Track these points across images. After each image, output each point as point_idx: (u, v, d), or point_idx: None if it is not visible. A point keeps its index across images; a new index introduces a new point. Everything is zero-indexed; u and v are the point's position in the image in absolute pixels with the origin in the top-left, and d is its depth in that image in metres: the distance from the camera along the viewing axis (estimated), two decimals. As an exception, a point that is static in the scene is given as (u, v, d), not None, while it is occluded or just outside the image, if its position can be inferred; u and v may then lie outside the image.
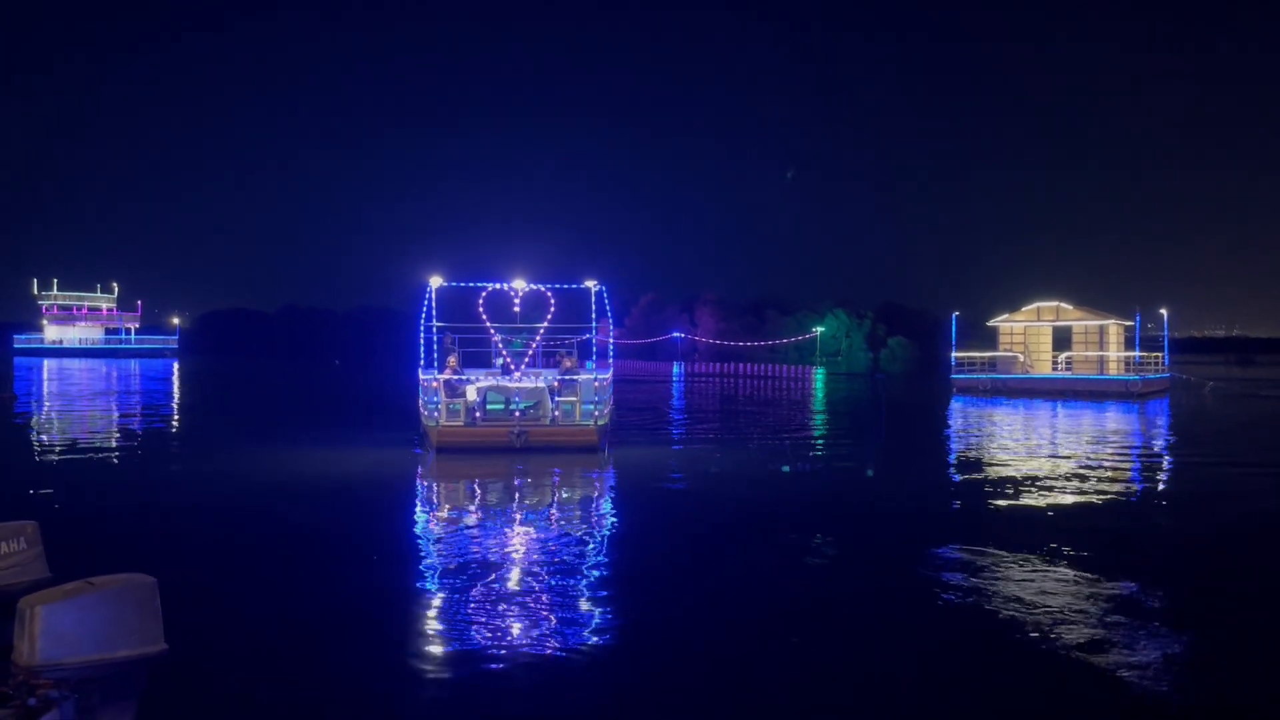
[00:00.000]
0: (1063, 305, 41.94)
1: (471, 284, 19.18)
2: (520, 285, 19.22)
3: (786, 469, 16.98)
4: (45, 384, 43.56)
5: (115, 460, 17.80)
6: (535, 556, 9.86)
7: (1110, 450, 20.10)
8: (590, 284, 19.38)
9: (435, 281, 18.86)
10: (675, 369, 68.31)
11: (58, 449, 19.17)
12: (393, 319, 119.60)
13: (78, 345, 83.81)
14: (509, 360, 19.17)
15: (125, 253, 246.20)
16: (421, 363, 19.54)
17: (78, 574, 7.88)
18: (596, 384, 18.56)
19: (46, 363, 67.81)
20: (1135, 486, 15.45)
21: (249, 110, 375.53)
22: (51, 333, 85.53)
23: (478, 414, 18.35)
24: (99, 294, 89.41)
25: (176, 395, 38.81)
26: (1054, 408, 32.24)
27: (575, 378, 18.64)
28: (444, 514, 12.75)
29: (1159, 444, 22.37)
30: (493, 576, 8.90)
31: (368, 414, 28.08)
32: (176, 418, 27.89)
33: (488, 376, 19.26)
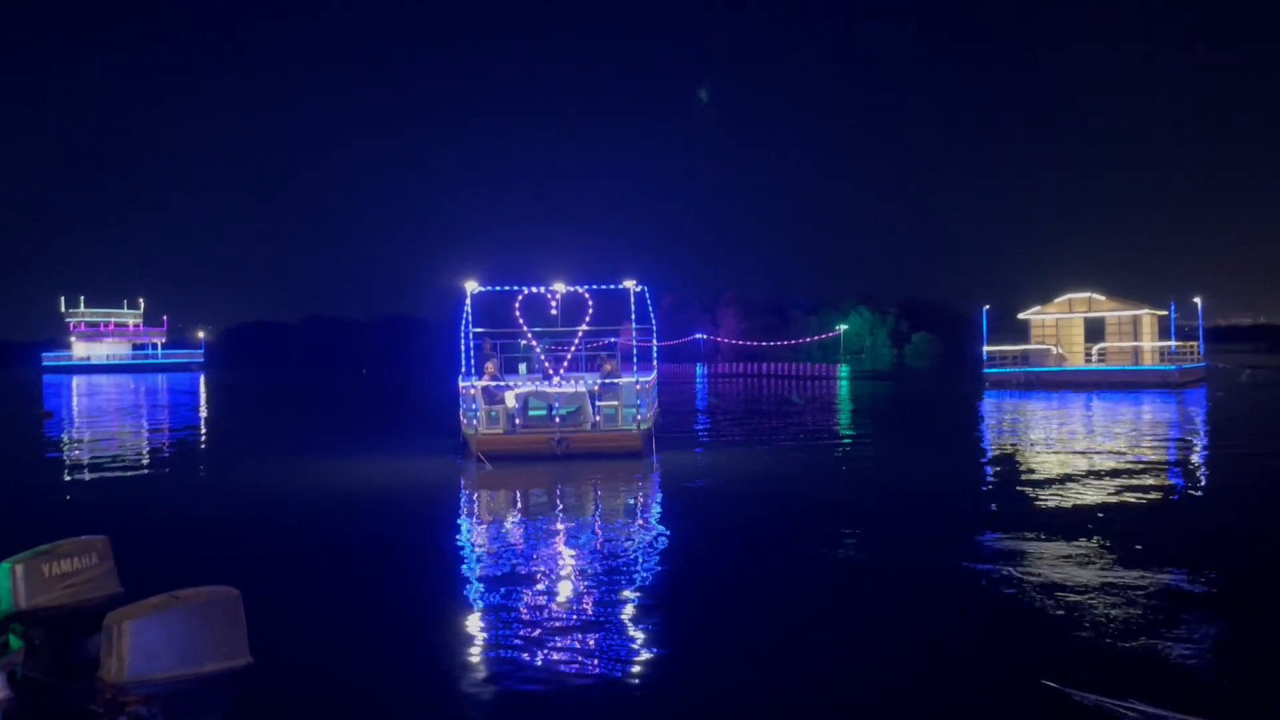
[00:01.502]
0: (1095, 296, 41.48)
1: (508, 288, 19.03)
2: (559, 288, 18.99)
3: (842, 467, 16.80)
4: (75, 400, 43.85)
5: (164, 474, 17.82)
6: (591, 570, 9.72)
7: (1165, 442, 19.79)
8: (630, 284, 19.06)
9: (472, 287, 18.65)
10: (698, 370, 68.10)
11: (104, 464, 19.21)
12: (417, 326, 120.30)
13: (105, 361, 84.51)
14: (548, 364, 19.00)
15: (150, 268, 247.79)
16: (461, 370, 19.27)
17: (147, 588, 7.82)
18: (639, 387, 18.26)
19: (75, 379, 68.36)
20: (1199, 478, 15.17)
21: (267, 122, 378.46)
22: (79, 350, 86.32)
23: (518, 421, 18.11)
24: (125, 310, 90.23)
25: (210, 409, 39.00)
26: (1091, 400, 31.86)
27: (617, 381, 18.31)
28: (492, 525, 12.65)
29: (1211, 434, 22.00)
30: (546, 590, 8.78)
31: (404, 423, 28.07)
32: (215, 431, 27.98)
33: (527, 382, 19.06)
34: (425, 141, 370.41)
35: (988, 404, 31.66)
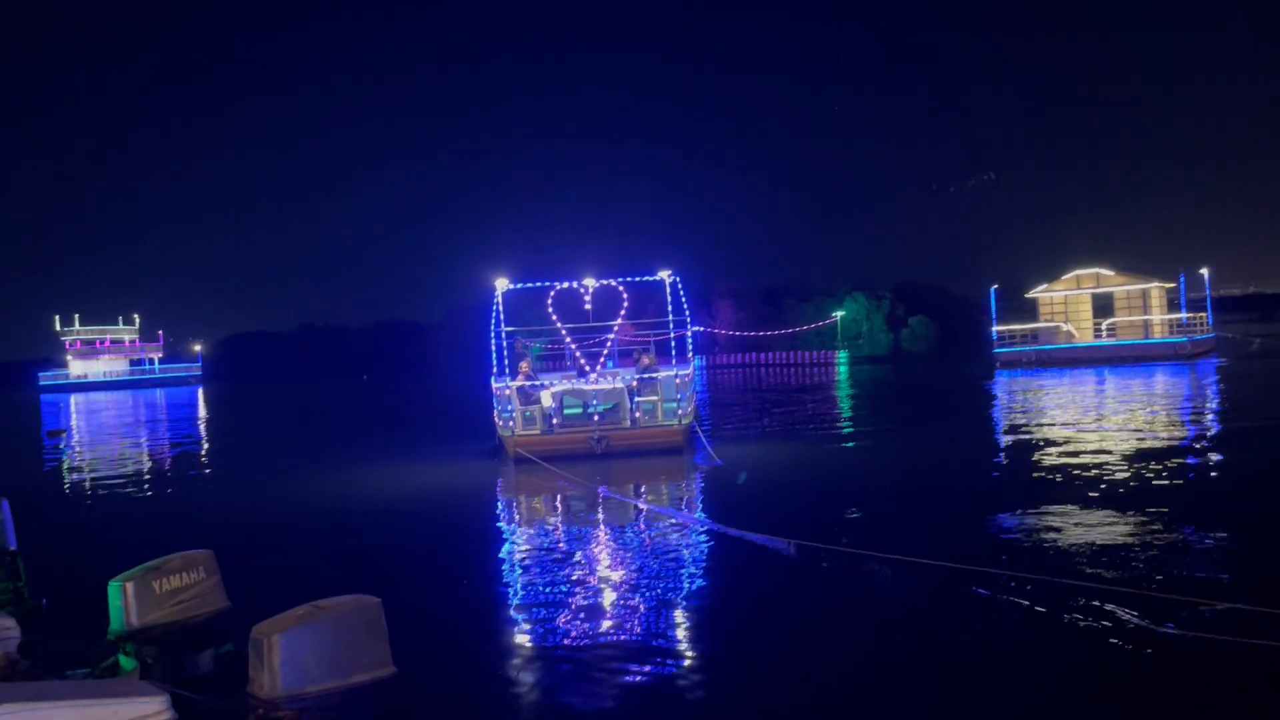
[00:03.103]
0: (1102, 272, 41.55)
1: (540, 284, 18.80)
2: (590, 283, 18.73)
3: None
4: (75, 418, 43.41)
5: (211, 489, 17.61)
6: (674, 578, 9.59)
7: (1207, 416, 19.77)
8: (665, 275, 18.82)
9: (502, 284, 18.32)
10: (697, 362, 67.91)
11: (132, 480, 18.96)
12: (412, 331, 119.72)
13: (103, 379, 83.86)
14: (582, 360, 18.79)
15: (144, 284, 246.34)
16: (494, 370, 18.98)
17: (251, 603, 7.67)
18: (678, 380, 18.05)
19: (74, 398, 67.78)
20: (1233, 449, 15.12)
21: (253, 133, 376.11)
22: (76, 368, 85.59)
23: (554, 420, 17.88)
24: (121, 326, 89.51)
25: (225, 423, 38.68)
26: (1106, 375, 31.88)
27: (655, 375, 18.06)
28: (536, 533, 12.51)
29: (1237, 405, 22.01)
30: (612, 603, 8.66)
31: (429, 427, 27.89)
32: (241, 444, 27.75)
33: (563, 380, 18.85)
34: (414, 149, 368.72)
35: (1004, 383, 31.64)
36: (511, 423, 17.72)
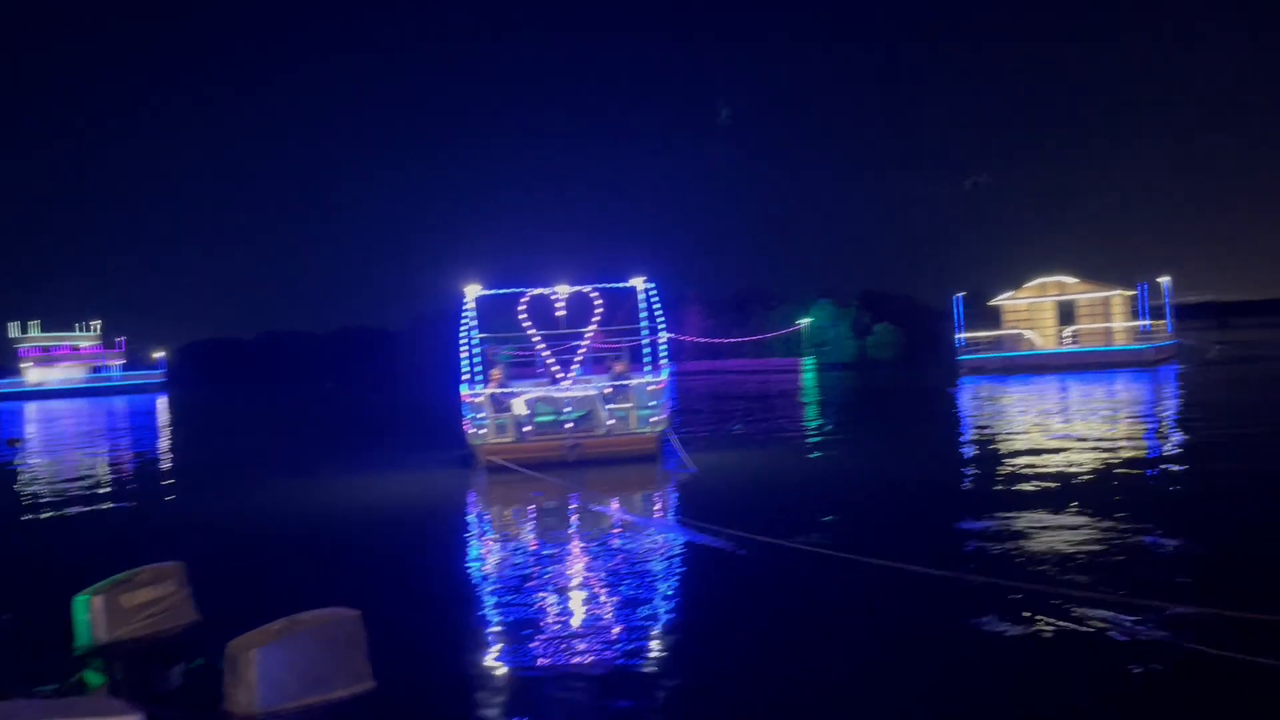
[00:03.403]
0: (1065, 279, 42.04)
1: (512, 290, 18.67)
2: (563, 290, 18.63)
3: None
4: (31, 426, 42.53)
5: (164, 499, 17.30)
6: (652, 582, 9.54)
7: (1158, 421, 20.04)
8: (638, 282, 18.77)
9: (473, 290, 18.19)
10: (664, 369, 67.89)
11: (94, 491, 18.57)
12: (375, 337, 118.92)
13: (61, 386, 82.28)
14: (555, 368, 18.67)
15: (104, 291, 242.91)
16: (464, 376, 18.77)
17: (222, 616, 7.51)
18: (651, 388, 18.00)
19: (32, 406, 66.43)
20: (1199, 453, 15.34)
21: (215, 138, 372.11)
22: (33, 375, 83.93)
23: (526, 428, 17.77)
24: (80, 333, 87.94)
25: (184, 430, 38.08)
26: (1071, 382, 32.26)
27: (628, 383, 18.03)
28: (511, 543, 12.41)
29: (1214, 412, 22.34)
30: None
31: (398, 434, 27.62)
32: (207, 452, 27.32)
33: (535, 387, 18.73)
34: (377, 155, 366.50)
35: (971, 390, 31.91)
36: (483, 430, 17.57)
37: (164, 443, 30.71)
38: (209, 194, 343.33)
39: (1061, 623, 6.87)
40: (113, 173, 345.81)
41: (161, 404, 59.17)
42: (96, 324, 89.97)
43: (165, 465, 23.38)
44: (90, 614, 6.89)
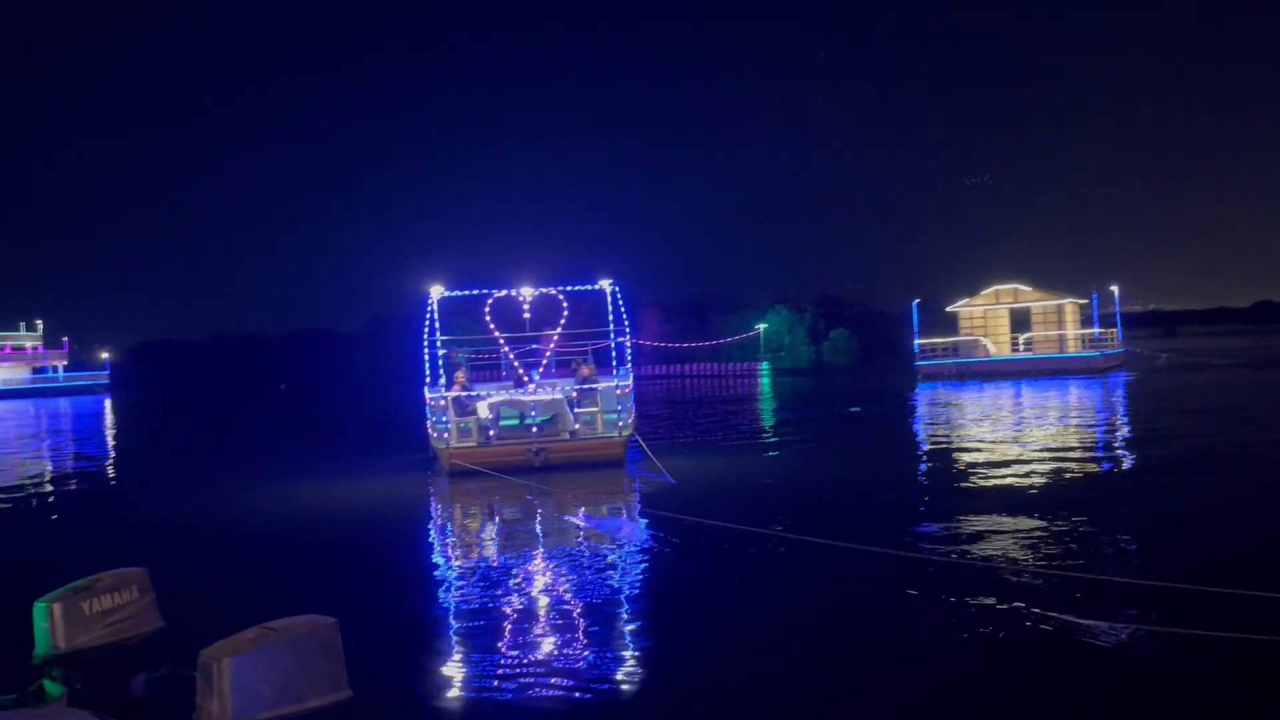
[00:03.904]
0: (1020, 287, 42.74)
1: (476, 292, 18.44)
2: (528, 292, 18.45)
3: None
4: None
5: (116, 502, 16.84)
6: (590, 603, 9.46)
7: (1108, 426, 20.36)
8: (605, 284, 18.61)
9: (437, 291, 17.89)
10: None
11: (41, 495, 18.05)
12: (329, 340, 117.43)
13: (1, 387, 79.99)
14: (520, 371, 18.47)
15: (48, 289, 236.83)
16: (427, 380, 18.49)
17: (186, 622, 7.28)
18: (619, 391, 17.84)
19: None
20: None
21: (166, 135, 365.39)
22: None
23: (491, 432, 17.53)
24: (23, 333, 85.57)
25: (133, 432, 37.21)
26: (1025, 388, 32.75)
27: (595, 386, 17.84)
28: (479, 548, 12.25)
29: (1166, 417, 22.76)
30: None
31: (357, 438, 27.19)
32: (149, 456, 26.69)
33: (500, 390, 18.51)
34: (335, 155, 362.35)
35: (926, 395, 32.25)
36: (447, 434, 17.31)
37: (112, 446, 29.98)
38: (163, 193, 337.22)
39: (1016, 602, 6.98)
40: (65, 166, 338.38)
41: (107, 406, 57.82)
42: (40, 323, 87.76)
43: (115, 470, 22.79)
44: (50, 621, 6.60)
